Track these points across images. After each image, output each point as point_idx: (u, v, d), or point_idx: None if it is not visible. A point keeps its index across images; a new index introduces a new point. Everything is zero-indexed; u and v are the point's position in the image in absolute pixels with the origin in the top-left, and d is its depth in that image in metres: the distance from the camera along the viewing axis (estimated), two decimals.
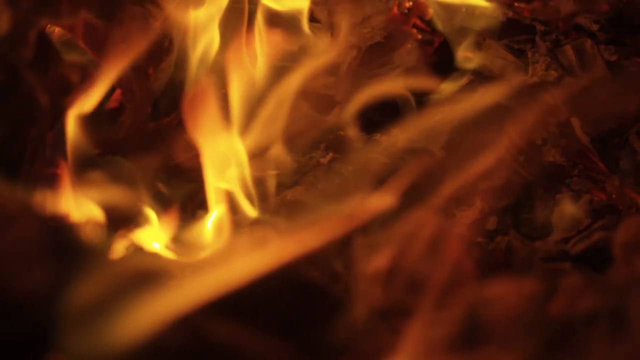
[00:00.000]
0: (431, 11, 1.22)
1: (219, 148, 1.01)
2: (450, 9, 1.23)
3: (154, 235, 0.90)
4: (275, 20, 1.18)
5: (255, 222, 0.97)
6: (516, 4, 1.26)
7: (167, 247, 0.90)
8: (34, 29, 0.85)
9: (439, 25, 1.23)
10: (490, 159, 1.01)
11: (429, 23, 1.24)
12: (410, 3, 1.23)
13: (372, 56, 1.22)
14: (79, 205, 0.88)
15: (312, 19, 1.20)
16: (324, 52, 1.16)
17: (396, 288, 0.81)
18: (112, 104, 1.08)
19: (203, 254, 0.87)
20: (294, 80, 1.09)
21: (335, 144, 1.12)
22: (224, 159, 1.01)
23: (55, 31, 1.00)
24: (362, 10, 1.22)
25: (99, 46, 1.00)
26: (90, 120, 1.02)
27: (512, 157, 1.02)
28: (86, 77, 1.00)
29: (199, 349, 0.67)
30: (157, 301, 0.66)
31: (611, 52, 1.16)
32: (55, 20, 0.92)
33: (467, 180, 0.99)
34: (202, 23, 1.14)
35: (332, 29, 1.19)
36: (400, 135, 1.12)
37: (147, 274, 0.68)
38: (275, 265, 0.71)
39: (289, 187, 1.06)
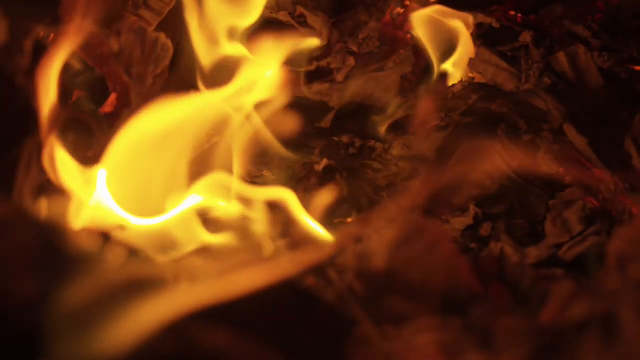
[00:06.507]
0: None
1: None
2: None
3: (145, 240, 0.91)
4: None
5: (251, 232, 0.97)
6: (510, 12, 1.27)
7: (160, 252, 0.90)
8: (30, 38, 0.85)
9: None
10: (483, 165, 1.01)
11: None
12: (403, 10, 1.24)
13: (366, 62, 1.23)
14: (73, 213, 0.88)
15: (307, 26, 1.20)
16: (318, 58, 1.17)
17: (390, 295, 0.82)
18: (108, 108, 1.09)
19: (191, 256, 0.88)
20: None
21: (329, 150, 1.13)
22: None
23: (51, 39, 1.00)
24: (357, 17, 1.22)
25: (96, 53, 1.00)
26: (85, 126, 1.02)
27: (505, 163, 1.03)
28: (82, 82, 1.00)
29: (191, 356, 0.67)
30: (149, 308, 0.66)
31: (604, 58, 1.16)
32: (51, 29, 0.92)
33: (460, 186, 0.99)
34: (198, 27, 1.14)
35: (326, 35, 1.19)
36: (394, 142, 1.13)
37: (139, 281, 0.68)
38: (271, 279, 0.71)
39: None
